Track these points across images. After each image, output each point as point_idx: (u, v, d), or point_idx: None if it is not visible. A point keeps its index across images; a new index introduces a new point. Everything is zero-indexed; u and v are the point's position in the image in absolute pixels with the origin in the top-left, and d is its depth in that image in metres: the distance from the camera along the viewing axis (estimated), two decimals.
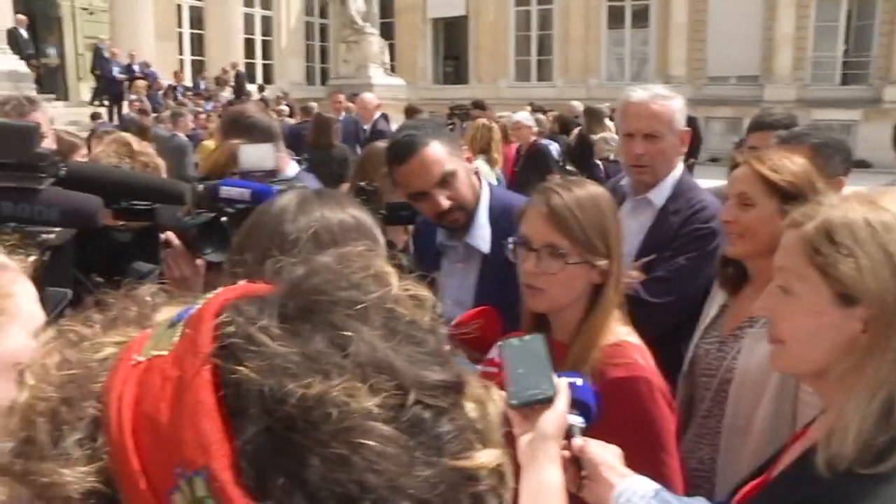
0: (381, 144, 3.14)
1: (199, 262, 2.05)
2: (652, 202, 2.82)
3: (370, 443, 0.53)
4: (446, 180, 2.35)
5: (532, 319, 1.92)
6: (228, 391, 0.55)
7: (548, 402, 1.38)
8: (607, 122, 12.45)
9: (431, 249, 2.57)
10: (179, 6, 23.30)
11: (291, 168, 3.45)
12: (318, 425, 0.53)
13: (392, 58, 26.13)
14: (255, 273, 1.12)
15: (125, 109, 17.36)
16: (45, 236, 1.61)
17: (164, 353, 0.59)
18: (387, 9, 27.55)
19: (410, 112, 12.30)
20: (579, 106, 13.75)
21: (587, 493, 1.40)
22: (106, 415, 0.58)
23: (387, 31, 26.58)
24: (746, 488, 1.49)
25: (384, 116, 9.26)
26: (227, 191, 2.22)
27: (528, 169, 7.84)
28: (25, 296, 1.16)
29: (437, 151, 2.33)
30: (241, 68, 22.51)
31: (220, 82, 20.92)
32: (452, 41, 29.11)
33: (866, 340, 1.22)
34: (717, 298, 2.38)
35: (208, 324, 0.58)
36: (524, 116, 8.40)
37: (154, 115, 13.55)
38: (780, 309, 1.33)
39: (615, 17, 26.05)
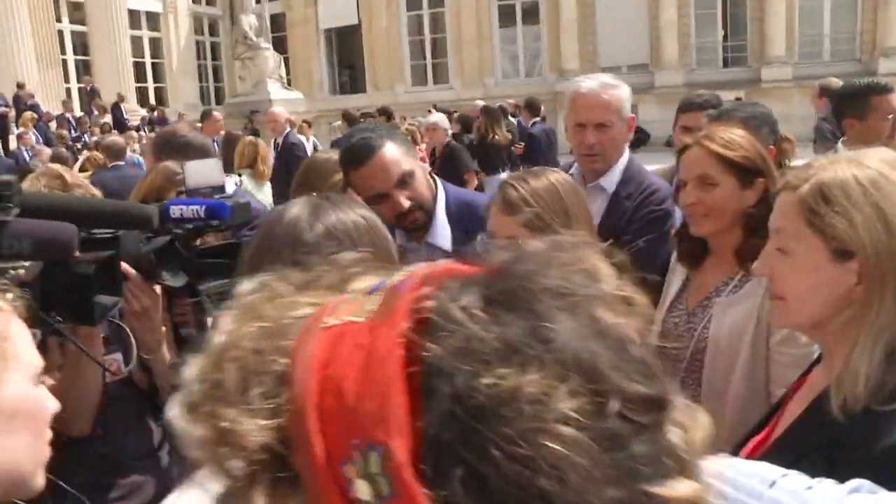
0: (323, 155, 3.15)
1: (157, 288, 2.01)
2: (604, 188, 2.91)
3: (560, 448, 0.49)
4: (405, 180, 2.38)
5: None
6: (420, 369, 0.52)
7: None
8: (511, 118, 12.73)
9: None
10: (61, 31, 22.51)
11: (228, 184, 3.41)
12: (508, 421, 0.49)
13: (287, 71, 25.87)
14: None
15: (12, 144, 16.64)
16: (13, 272, 1.49)
17: (359, 320, 0.56)
18: (278, 23, 27.28)
19: (350, 119, 12.21)
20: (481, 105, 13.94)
21: None
22: (292, 372, 0.56)
23: (280, 45, 26.30)
24: (752, 443, 1.57)
25: (294, 130, 9.20)
26: (178, 210, 2.19)
27: (444, 169, 7.93)
28: (22, 339, 1.12)
29: (394, 152, 2.37)
30: (95, 84, 21.73)
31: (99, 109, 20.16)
32: (347, 50, 29.02)
33: (862, 291, 1.32)
34: (678, 273, 2.48)
35: (408, 297, 0.55)
36: (440, 118, 8.48)
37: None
38: (779, 268, 1.42)
39: (506, 16, 26.51)
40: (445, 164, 8.03)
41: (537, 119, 11.88)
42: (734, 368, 2.19)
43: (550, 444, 0.49)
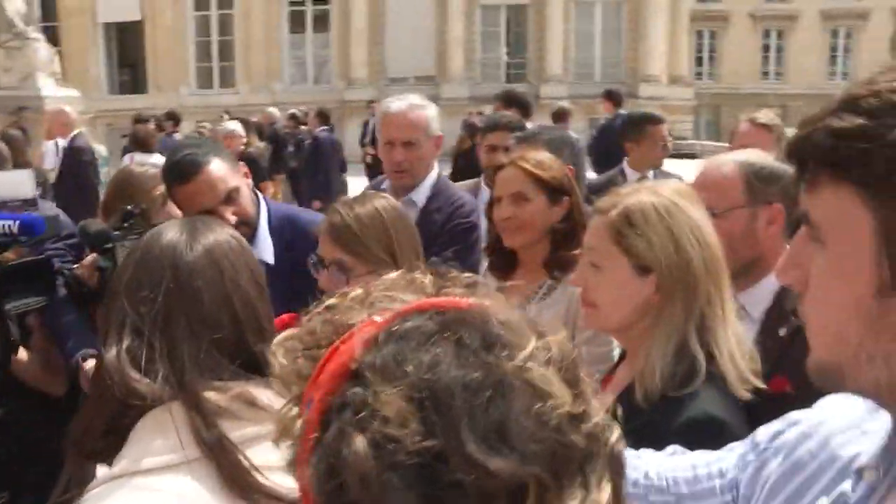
0: (139, 168, 3.03)
1: None
2: (415, 202, 3.06)
3: (355, 456, 0.63)
4: (231, 197, 2.39)
5: None
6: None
7: None
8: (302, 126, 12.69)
9: None
10: None
11: None
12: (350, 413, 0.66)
13: (60, 66, 24.15)
14: (152, 306, 1.17)
15: None
16: None
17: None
18: (49, 11, 25.32)
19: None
20: (276, 112, 13.85)
21: None
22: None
23: (52, 37, 24.48)
24: None
25: (81, 134, 8.56)
26: None
27: None
28: None
29: (221, 169, 2.38)
30: None
31: None
32: (128, 48, 27.51)
33: (658, 300, 1.57)
34: (488, 284, 2.68)
35: (383, 322, 0.68)
36: (236, 126, 8.30)
37: None
38: (591, 281, 1.64)
39: (296, 22, 26.34)
40: None
41: (326, 127, 12.06)
42: None
43: (345, 452, 0.62)
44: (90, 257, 2.45)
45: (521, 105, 5.75)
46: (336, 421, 0.64)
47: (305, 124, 13.24)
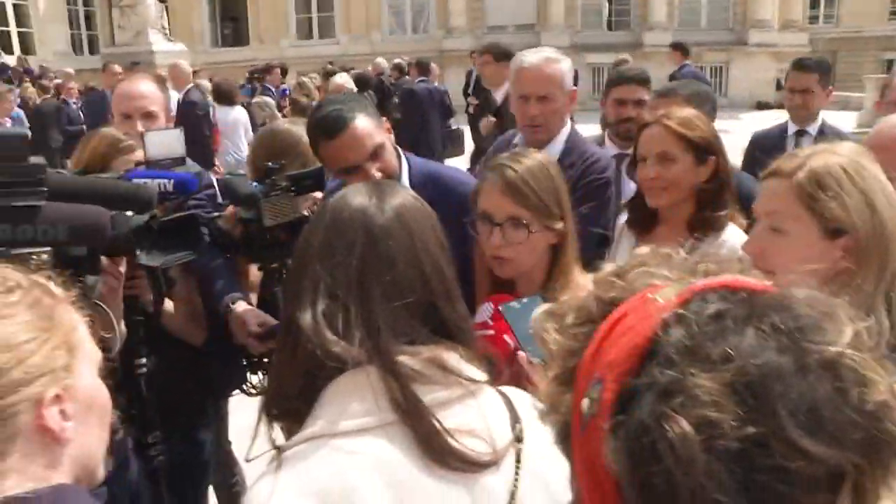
0: (283, 124, 3.06)
1: (121, 268, 1.96)
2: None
3: (675, 440, 0.62)
4: (377, 153, 2.39)
5: (493, 285, 2.06)
6: (650, 346, 0.66)
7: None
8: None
9: None
10: None
11: None
12: (668, 402, 0.64)
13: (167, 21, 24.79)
14: (347, 270, 1.16)
15: None
16: (35, 259, 1.45)
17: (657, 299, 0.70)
18: None
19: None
20: (383, 62, 13.85)
21: None
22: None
23: None
24: None
25: (196, 87, 8.79)
26: (143, 183, 2.15)
27: None
28: (84, 329, 1.13)
29: (367, 125, 2.38)
30: None
31: None
32: (229, 2, 28.03)
33: (849, 264, 1.48)
34: (624, 243, 2.62)
35: (682, 295, 0.68)
36: (344, 78, 8.29)
37: None
38: (771, 246, 1.55)
39: None
40: None
41: (424, 78, 11.92)
42: None
43: (670, 434, 0.61)
44: (230, 209, 2.53)
45: (507, 58, 5.33)
46: (646, 402, 0.63)
47: (408, 75, 13.20)
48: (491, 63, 6.74)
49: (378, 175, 2.38)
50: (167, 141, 2.44)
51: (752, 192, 2.69)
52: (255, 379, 2.58)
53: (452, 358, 1.17)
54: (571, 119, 3.17)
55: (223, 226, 2.53)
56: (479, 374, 1.19)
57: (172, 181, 2.28)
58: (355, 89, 8.43)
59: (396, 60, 13.77)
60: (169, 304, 2.53)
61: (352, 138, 2.35)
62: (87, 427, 1.07)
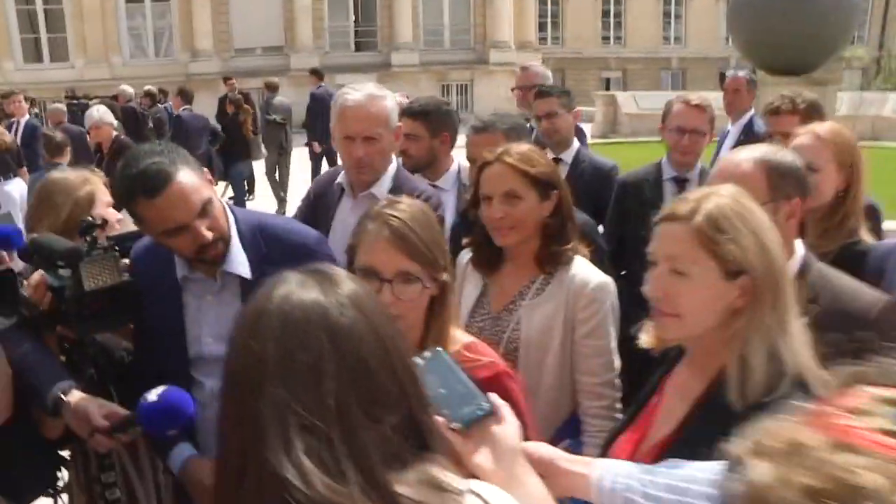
0: (56, 174, 2.76)
1: None
2: (376, 196, 2.95)
3: None
4: (205, 209, 2.13)
5: None
6: None
7: (490, 415, 1.30)
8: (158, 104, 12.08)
9: (158, 284, 2.28)
10: None
11: None
12: None
13: None
14: (317, 392, 0.99)
15: None
16: None
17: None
18: None
19: None
20: (130, 89, 13.08)
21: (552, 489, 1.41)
22: None
23: None
24: (626, 443, 1.77)
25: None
26: None
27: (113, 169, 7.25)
28: None
29: (192, 179, 2.11)
30: None
31: None
32: None
33: (745, 303, 1.57)
34: (471, 281, 2.61)
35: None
36: (103, 112, 7.55)
37: None
38: (674, 289, 1.60)
39: None
40: (114, 165, 7.35)
41: (187, 106, 11.67)
42: (544, 364, 2.41)
43: None
44: (36, 275, 2.21)
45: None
46: None
47: (162, 102, 12.63)
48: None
49: (209, 235, 2.13)
50: None
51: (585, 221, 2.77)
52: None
53: (439, 473, 1.03)
54: (396, 156, 3.14)
55: (28, 296, 2.18)
56: (461, 482, 1.06)
57: None
58: (115, 122, 7.80)
59: (147, 87, 13.15)
60: None
61: (178, 195, 2.06)
62: None
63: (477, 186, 2.51)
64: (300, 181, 11.34)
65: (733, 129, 5.58)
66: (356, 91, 2.97)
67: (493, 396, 1.34)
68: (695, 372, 1.70)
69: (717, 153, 5.00)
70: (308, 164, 12.42)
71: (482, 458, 1.26)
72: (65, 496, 2.42)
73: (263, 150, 12.04)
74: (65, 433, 2.20)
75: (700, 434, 1.57)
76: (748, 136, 5.03)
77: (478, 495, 1.06)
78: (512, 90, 5.50)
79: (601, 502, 1.47)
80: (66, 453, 2.43)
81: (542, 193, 2.42)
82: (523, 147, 2.51)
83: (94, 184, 2.61)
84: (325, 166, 12.04)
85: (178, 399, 1.95)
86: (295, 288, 1.06)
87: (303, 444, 0.95)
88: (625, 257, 3.43)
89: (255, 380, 1.00)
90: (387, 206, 1.93)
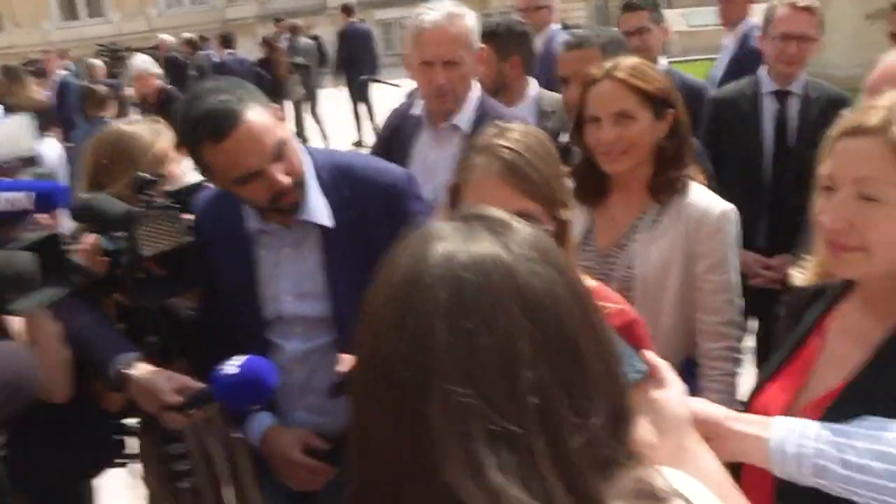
0: (124, 125, 2.47)
1: None
2: (459, 128, 2.72)
3: None
4: (280, 151, 1.87)
5: None
6: None
7: (647, 377, 1.12)
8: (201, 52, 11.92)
9: (226, 239, 2.06)
10: None
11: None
12: None
13: None
14: (512, 389, 0.73)
15: None
16: None
17: None
18: None
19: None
20: (171, 38, 12.99)
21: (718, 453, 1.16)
22: None
23: None
24: (773, 391, 1.51)
25: None
26: None
27: None
28: None
29: (263, 117, 1.84)
30: None
31: None
32: None
33: None
34: (575, 217, 2.36)
35: None
36: (147, 62, 7.33)
37: None
38: (864, 218, 1.31)
39: None
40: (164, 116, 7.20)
41: (232, 51, 11.74)
42: (662, 304, 2.18)
43: None
44: (90, 239, 1.96)
45: None
46: None
47: (201, 49, 12.48)
48: None
49: (286, 180, 1.88)
50: (8, 132, 1.91)
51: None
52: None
53: (650, 475, 0.78)
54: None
55: (80, 262, 1.93)
56: (665, 481, 0.79)
57: (34, 194, 1.82)
58: (159, 71, 7.61)
59: (185, 35, 12.95)
60: None
61: (249, 137, 1.81)
62: None
63: (581, 107, 2.24)
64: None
65: (728, 44, 4.76)
66: (433, 10, 2.67)
67: (649, 355, 1.14)
68: (872, 314, 1.42)
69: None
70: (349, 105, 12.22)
71: (643, 430, 0.97)
72: (138, 464, 2.27)
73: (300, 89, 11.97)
74: (128, 403, 2.04)
75: (884, 385, 1.34)
76: (743, 51, 4.43)
77: (686, 499, 0.80)
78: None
79: (783, 471, 1.24)
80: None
81: (656, 112, 2.15)
82: (634, 60, 2.23)
83: (167, 136, 2.35)
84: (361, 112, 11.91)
85: (261, 369, 1.73)
86: (460, 242, 0.77)
87: (495, 459, 0.69)
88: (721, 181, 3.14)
89: (419, 377, 0.72)
90: (496, 134, 1.67)
